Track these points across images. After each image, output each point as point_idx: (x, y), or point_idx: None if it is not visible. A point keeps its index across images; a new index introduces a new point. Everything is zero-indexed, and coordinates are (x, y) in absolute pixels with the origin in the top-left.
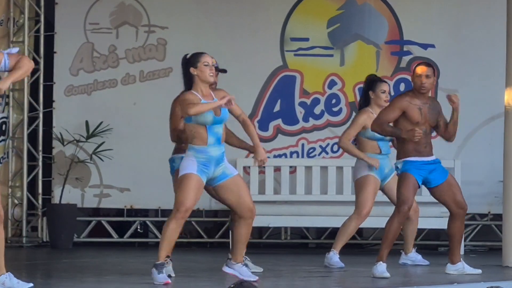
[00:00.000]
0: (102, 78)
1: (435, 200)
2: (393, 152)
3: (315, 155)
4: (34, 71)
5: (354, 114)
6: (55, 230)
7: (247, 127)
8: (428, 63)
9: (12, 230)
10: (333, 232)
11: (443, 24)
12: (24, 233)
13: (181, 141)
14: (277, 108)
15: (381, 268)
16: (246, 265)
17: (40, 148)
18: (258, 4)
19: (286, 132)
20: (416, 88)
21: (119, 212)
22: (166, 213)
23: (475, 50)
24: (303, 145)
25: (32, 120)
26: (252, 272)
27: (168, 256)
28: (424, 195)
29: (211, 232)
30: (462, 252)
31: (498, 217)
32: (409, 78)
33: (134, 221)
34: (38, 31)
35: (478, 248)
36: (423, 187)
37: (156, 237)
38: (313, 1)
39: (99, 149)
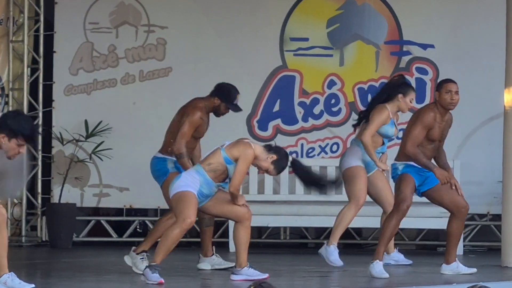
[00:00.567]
0: (102, 78)
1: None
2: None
3: (314, 155)
4: (34, 71)
5: (353, 114)
6: (55, 230)
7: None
8: (454, 80)
9: (12, 230)
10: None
11: (442, 24)
12: (23, 233)
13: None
14: (276, 108)
15: (379, 268)
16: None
17: (40, 147)
18: (258, 4)
19: (286, 132)
20: (444, 105)
21: (118, 211)
22: (165, 213)
23: (474, 51)
24: (302, 145)
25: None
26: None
27: (145, 251)
28: None
29: None
30: (461, 252)
31: (497, 217)
32: (409, 78)
33: (134, 221)
34: (37, 30)
35: (477, 248)
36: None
37: None
38: (313, 1)
39: (99, 148)
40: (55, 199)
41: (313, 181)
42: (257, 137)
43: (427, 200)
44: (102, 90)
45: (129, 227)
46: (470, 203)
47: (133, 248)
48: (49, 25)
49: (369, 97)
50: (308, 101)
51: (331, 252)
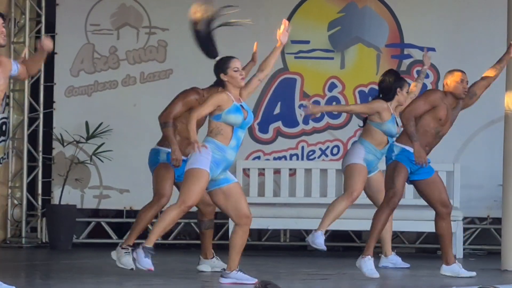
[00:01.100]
0: (103, 79)
1: None
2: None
3: (314, 158)
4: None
5: (353, 117)
6: (55, 231)
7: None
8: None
9: (12, 231)
10: (333, 235)
11: (443, 27)
12: (23, 234)
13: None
14: (277, 110)
15: (371, 266)
16: (241, 270)
17: (40, 148)
18: (259, 7)
19: (286, 135)
20: (457, 93)
21: (118, 213)
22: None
23: (475, 54)
24: (303, 147)
25: (32, 120)
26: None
27: (130, 245)
28: None
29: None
30: (461, 255)
31: (497, 221)
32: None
33: (133, 222)
34: (39, 32)
35: (477, 251)
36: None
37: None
38: (314, 4)
39: (99, 150)
40: (55, 200)
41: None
42: (258, 139)
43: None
44: (103, 92)
45: (129, 228)
46: (470, 206)
47: (120, 243)
48: (51, 27)
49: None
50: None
51: (317, 236)
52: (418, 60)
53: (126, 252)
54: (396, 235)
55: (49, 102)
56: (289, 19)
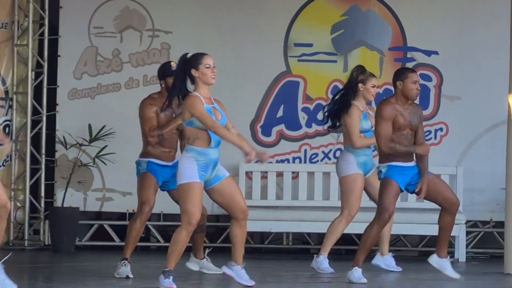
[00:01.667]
0: (106, 82)
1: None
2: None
3: (317, 161)
4: (38, 74)
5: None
6: (57, 234)
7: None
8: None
9: (15, 233)
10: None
11: (446, 31)
12: (26, 236)
13: (148, 143)
14: (280, 113)
15: (357, 274)
16: (245, 268)
17: (43, 151)
18: (262, 10)
19: (289, 138)
20: (410, 95)
21: (121, 216)
22: (168, 217)
23: (478, 57)
24: (305, 150)
25: (35, 123)
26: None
27: (126, 258)
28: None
29: (212, 237)
30: (463, 259)
31: (500, 224)
32: None
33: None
34: (42, 34)
35: (480, 255)
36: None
37: (158, 241)
38: (317, 7)
39: (102, 152)
40: (58, 203)
41: None
42: (261, 142)
43: (429, 207)
44: (106, 95)
45: None
46: (473, 210)
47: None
48: (54, 29)
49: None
50: (311, 107)
51: (321, 261)
52: (421, 63)
53: (122, 264)
54: (398, 239)
55: (52, 104)
56: (292, 22)
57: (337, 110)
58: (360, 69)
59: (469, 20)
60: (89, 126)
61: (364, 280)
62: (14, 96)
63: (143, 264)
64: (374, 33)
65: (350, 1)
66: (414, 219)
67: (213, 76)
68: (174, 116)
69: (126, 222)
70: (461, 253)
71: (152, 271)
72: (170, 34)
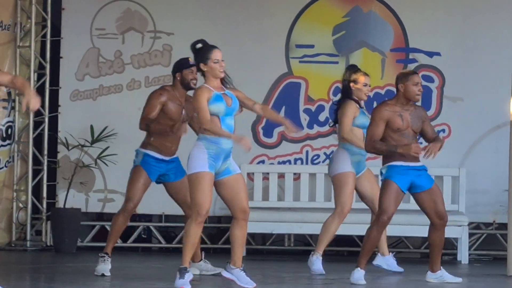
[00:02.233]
0: (108, 83)
1: None
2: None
3: (319, 162)
4: (40, 76)
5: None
6: (59, 234)
7: (266, 112)
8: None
9: (17, 234)
10: (337, 240)
11: (449, 32)
12: (28, 237)
13: (149, 130)
14: (281, 114)
15: (358, 275)
16: (244, 270)
17: (45, 152)
18: (264, 11)
19: (291, 139)
20: (411, 97)
21: None
22: (169, 218)
23: (481, 59)
24: (307, 152)
25: (37, 124)
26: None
27: (107, 253)
28: None
29: (214, 238)
30: (466, 261)
31: (503, 226)
32: None
33: (138, 226)
34: (44, 36)
35: (483, 257)
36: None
37: (160, 242)
38: (319, 8)
39: (104, 154)
40: (60, 204)
41: None
42: (262, 143)
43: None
44: (108, 96)
45: (134, 232)
46: (475, 211)
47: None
48: (56, 31)
49: (375, 104)
50: (313, 108)
51: (314, 261)
52: (424, 64)
53: (102, 260)
54: (400, 240)
55: (54, 106)
56: (294, 23)
57: (336, 109)
58: (352, 68)
59: (472, 21)
60: (91, 127)
61: (363, 282)
62: (17, 98)
63: (145, 265)
64: (376, 34)
65: (351, 2)
66: (416, 220)
67: (221, 70)
68: (183, 110)
69: (128, 223)
70: (463, 255)
71: (153, 272)
72: (171, 35)
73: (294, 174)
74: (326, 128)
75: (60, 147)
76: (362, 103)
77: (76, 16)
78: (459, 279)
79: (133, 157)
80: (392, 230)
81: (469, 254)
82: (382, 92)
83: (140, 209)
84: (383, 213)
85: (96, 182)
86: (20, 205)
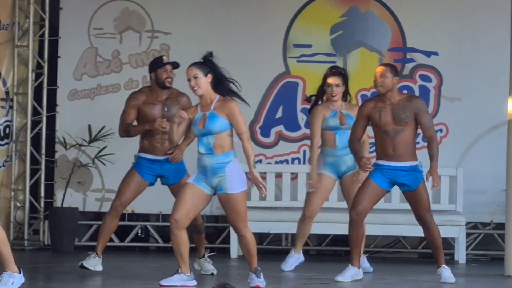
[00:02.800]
0: (105, 83)
1: (435, 208)
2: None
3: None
4: (38, 75)
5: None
6: (57, 234)
7: (245, 147)
8: (387, 63)
9: (14, 233)
10: (334, 239)
11: (446, 32)
12: (26, 236)
13: (131, 135)
14: (279, 114)
15: (348, 272)
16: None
17: (43, 151)
18: (262, 11)
19: (288, 139)
20: (376, 88)
21: (120, 216)
22: (167, 218)
23: (478, 58)
24: (304, 151)
25: (35, 124)
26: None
27: (96, 254)
28: None
29: (211, 238)
30: (463, 261)
31: (500, 226)
32: (412, 85)
33: (135, 226)
34: (42, 35)
35: (480, 257)
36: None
37: (157, 242)
38: (317, 8)
39: (101, 153)
40: (57, 203)
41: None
42: (260, 143)
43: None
44: (105, 95)
45: (131, 232)
46: (473, 211)
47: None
48: (54, 31)
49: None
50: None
51: (290, 256)
52: (421, 64)
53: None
54: (398, 240)
55: (52, 105)
56: (291, 23)
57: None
58: (329, 69)
59: (470, 20)
60: (89, 126)
61: (348, 280)
62: (15, 97)
63: (142, 265)
64: (374, 34)
65: (349, 2)
66: (414, 220)
67: (193, 88)
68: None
69: (125, 223)
70: (461, 255)
71: (151, 272)
72: (169, 35)
73: (292, 173)
74: None
75: (58, 147)
76: (339, 104)
77: (74, 15)
78: (452, 280)
79: (130, 156)
80: (389, 230)
81: (467, 254)
82: (368, 94)
83: (138, 209)
84: (352, 208)
85: (93, 181)
86: (18, 204)
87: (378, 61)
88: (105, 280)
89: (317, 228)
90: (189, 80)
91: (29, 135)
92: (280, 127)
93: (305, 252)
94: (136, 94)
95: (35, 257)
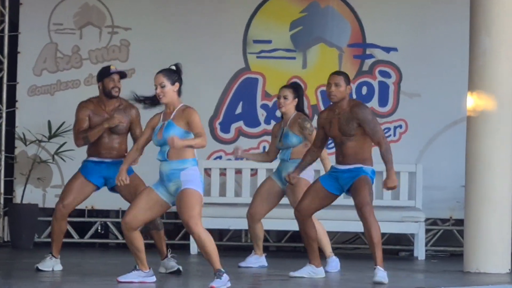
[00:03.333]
0: (65, 79)
1: (395, 205)
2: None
3: (276, 158)
4: None
5: (316, 117)
6: (16, 230)
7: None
8: (340, 72)
9: None
10: (293, 236)
11: (406, 27)
12: None
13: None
14: (239, 110)
15: (304, 269)
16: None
17: (3, 147)
18: (221, 6)
19: (248, 134)
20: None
21: (80, 212)
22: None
23: (438, 54)
24: (264, 147)
25: None
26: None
27: (52, 254)
28: (386, 199)
29: (171, 234)
30: (423, 257)
31: (459, 222)
32: (372, 81)
33: (95, 222)
34: (2, 31)
35: (440, 253)
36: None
37: (117, 238)
38: (276, 3)
39: (61, 149)
40: (17, 199)
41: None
42: (220, 139)
43: (387, 204)
44: (65, 91)
45: (91, 228)
46: (432, 207)
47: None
48: (14, 26)
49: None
50: (270, 104)
51: (249, 256)
52: (380, 60)
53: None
54: (358, 236)
55: (11, 101)
56: (251, 18)
57: None
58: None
59: (429, 16)
60: (49, 122)
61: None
62: None
63: (102, 261)
64: (333, 30)
65: None
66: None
67: (159, 96)
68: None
69: (85, 219)
70: (420, 251)
71: (110, 268)
72: (129, 30)
73: (251, 170)
74: None
75: (18, 143)
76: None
77: (33, 11)
78: (384, 280)
79: None
80: (349, 226)
81: (426, 250)
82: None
83: (97, 205)
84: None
85: (53, 177)
86: None
87: (338, 57)
88: (64, 276)
89: (277, 224)
90: (155, 87)
91: None
92: (240, 123)
93: (265, 249)
94: (85, 103)
95: None
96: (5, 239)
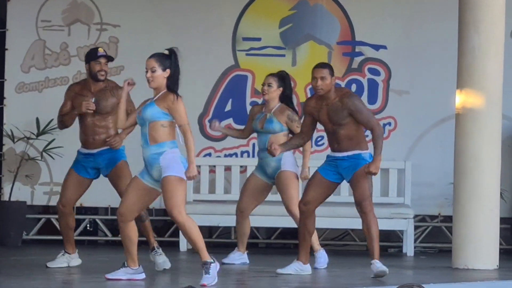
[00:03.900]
0: (54, 76)
1: (384, 201)
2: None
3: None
4: None
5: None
6: (4, 228)
7: (186, 139)
8: (324, 64)
9: None
10: (283, 232)
11: (395, 25)
12: None
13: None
14: (228, 107)
15: (293, 265)
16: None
17: None
18: (210, 3)
19: None
20: (315, 91)
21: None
22: (115, 211)
23: (427, 52)
24: (253, 144)
25: None
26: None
27: (66, 251)
28: (375, 196)
29: (161, 231)
30: (411, 253)
31: (448, 219)
32: (361, 79)
33: (84, 219)
34: None
35: (428, 249)
36: None
37: (106, 235)
38: (266, 1)
39: (50, 146)
40: (5, 197)
41: None
42: (209, 136)
43: (377, 201)
44: (53, 88)
45: (79, 225)
46: (421, 204)
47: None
48: (1, 23)
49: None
50: (260, 101)
51: (232, 252)
52: (370, 57)
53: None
54: (347, 233)
55: None
56: (240, 15)
57: None
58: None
59: (418, 14)
60: (37, 119)
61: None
62: None
63: (91, 258)
64: (323, 27)
65: None
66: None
67: (149, 80)
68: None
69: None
70: (409, 247)
71: (99, 265)
72: (118, 27)
73: (241, 167)
74: None
75: (6, 140)
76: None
77: (21, 7)
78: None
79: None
80: (338, 223)
81: (415, 247)
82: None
83: (86, 202)
84: (300, 201)
85: (41, 175)
86: None
87: (327, 55)
88: (52, 274)
89: (267, 221)
90: (146, 71)
91: None
92: (230, 120)
93: (255, 245)
94: (72, 86)
95: None
96: None
